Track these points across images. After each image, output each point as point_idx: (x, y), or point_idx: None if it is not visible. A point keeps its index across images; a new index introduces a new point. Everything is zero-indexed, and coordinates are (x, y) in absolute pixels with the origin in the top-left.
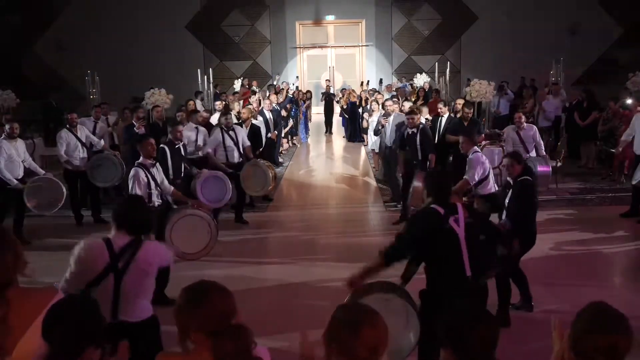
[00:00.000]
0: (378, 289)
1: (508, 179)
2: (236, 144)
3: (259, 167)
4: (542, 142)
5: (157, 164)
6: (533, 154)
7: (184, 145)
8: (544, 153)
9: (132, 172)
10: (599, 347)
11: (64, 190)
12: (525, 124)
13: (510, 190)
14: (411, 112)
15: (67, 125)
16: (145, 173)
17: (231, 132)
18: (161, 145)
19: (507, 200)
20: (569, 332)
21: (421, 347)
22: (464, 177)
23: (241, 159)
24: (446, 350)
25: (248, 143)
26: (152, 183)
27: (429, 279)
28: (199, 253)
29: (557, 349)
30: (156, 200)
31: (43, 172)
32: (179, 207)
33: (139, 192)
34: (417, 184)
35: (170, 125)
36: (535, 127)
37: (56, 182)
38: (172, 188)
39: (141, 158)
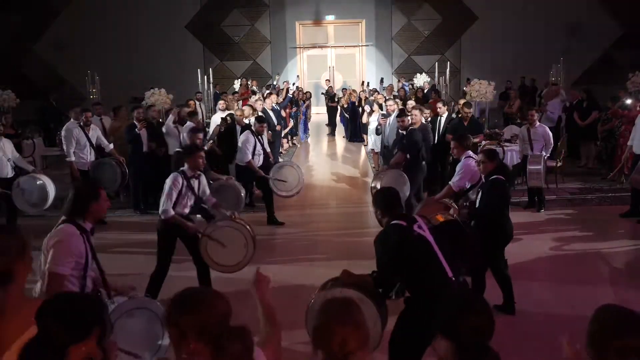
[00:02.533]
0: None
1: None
2: (264, 149)
3: (292, 168)
4: (552, 143)
5: (202, 176)
6: (537, 152)
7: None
8: (545, 153)
9: (171, 177)
10: (624, 349)
11: (49, 188)
12: (537, 122)
13: (480, 190)
14: (400, 113)
15: (81, 124)
16: (183, 182)
17: (259, 137)
18: (177, 150)
19: (477, 201)
20: (584, 342)
21: (396, 349)
22: (449, 182)
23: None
24: (444, 341)
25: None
26: (188, 194)
27: (413, 290)
28: (232, 267)
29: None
30: (183, 213)
31: (32, 168)
32: (222, 216)
33: (174, 197)
34: (375, 184)
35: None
36: (546, 127)
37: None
38: (214, 200)
39: (186, 166)
